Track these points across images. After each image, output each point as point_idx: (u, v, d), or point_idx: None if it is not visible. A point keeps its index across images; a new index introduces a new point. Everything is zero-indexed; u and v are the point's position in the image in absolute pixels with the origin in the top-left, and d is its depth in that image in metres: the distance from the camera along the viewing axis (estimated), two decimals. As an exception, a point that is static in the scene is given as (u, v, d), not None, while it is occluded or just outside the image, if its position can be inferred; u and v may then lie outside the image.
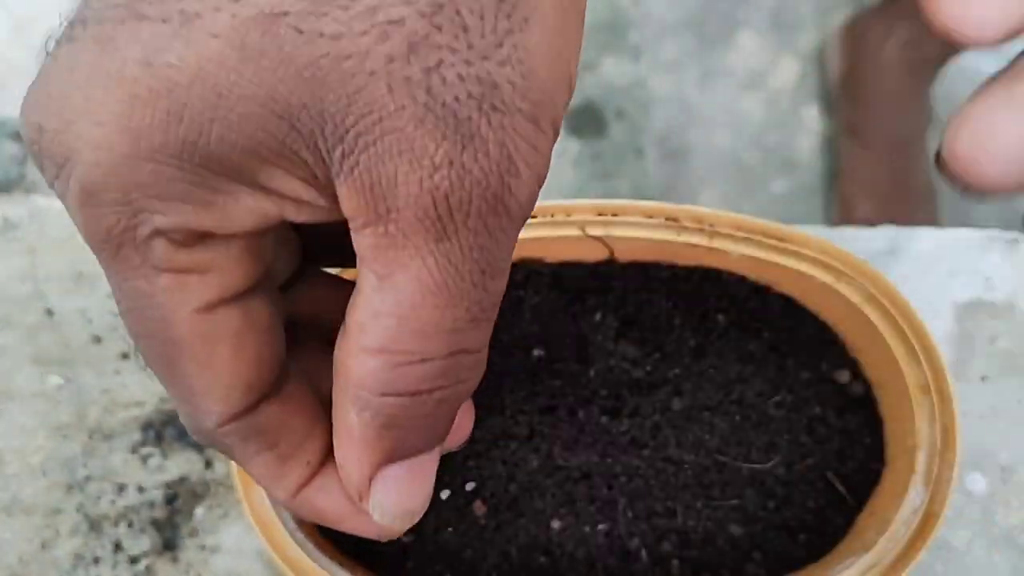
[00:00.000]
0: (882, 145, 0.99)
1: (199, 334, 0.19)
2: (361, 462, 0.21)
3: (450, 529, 0.35)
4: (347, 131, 0.17)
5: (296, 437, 0.22)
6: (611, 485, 0.35)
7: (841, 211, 1.03)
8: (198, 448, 0.42)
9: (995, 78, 0.21)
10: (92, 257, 0.44)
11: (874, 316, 0.36)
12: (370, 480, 0.22)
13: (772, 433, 0.36)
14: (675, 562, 0.35)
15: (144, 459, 0.42)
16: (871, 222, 0.46)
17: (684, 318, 0.38)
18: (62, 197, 0.18)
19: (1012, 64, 0.21)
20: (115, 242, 0.18)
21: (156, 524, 0.41)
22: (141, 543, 0.40)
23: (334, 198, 0.18)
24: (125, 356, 0.43)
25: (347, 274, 0.30)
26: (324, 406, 0.23)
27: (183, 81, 0.16)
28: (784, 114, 1.11)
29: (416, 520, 0.23)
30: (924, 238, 0.45)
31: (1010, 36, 0.21)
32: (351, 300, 0.20)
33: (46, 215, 0.45)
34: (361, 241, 0.18)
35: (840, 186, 1.04)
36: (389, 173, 0.17)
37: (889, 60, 0.98)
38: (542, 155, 0.18)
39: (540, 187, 0.19)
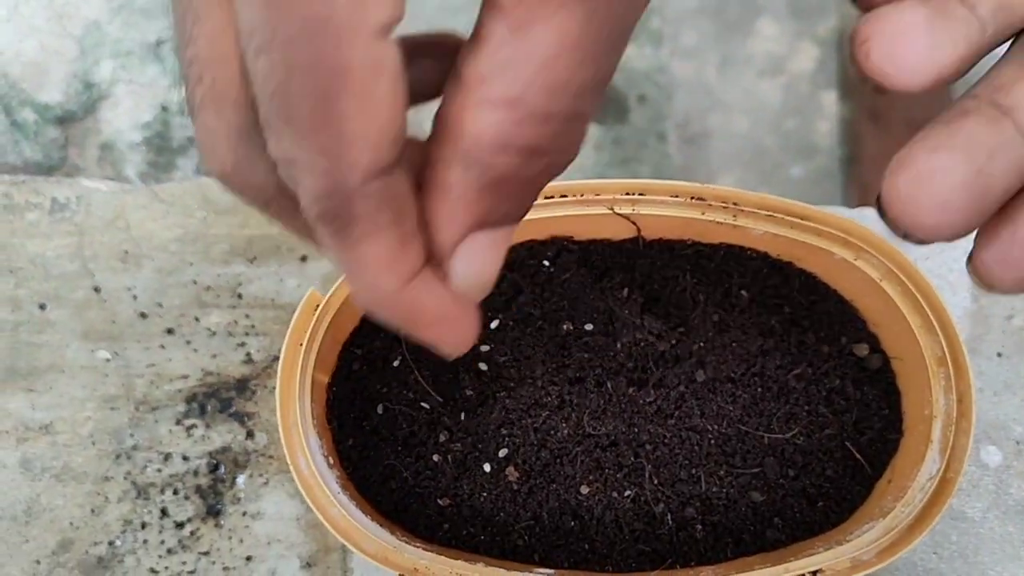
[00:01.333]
0: (902, 129, 1.00)
1: (369, 62, 0.17)
2: (454, 222, 0.20)
3: (484, 493, 0.36)
4: None
5: (415, 217, 0.20)
6: (637, 453, 0.37)
7: (860, 195, 1.03)
8: (239, 419, 0.43)
9: (937, 119, 0.21)
10: (137, 236, 0.46)
11: (892, 291, 0.37)
12: (455, 244, 0.21)
13: (792, 404, 0.38)
14: (698, 527, 0.36)
15: (188, 430, 0.43)
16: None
17: (708, 293, 0.39)
18: None
19: (952, 105, 0.21)
20: None
21: (200, 491, 0.43)
22: (186, 509, 0.42)
23: None
24: (170, 331, 0.45)
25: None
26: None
27: None
28: (803, 99, 1.12)
29: (485, 294, 0.22)
30: (942, 218, 0.46)
31: (941, 82, 0.21)
32: (467, 52, 0.19)
33: (93, 197, 0.47)
34: None
35: (859, 170, 1.04)
36: None
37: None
38: None
39: None
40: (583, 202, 0.38)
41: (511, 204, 0.21)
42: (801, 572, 0.34)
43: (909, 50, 0.21)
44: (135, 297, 0.45)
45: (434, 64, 0.22)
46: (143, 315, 0.45)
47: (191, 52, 0.20)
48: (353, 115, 0.18)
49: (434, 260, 0.21)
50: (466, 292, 0.22)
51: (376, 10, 0.17)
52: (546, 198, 0.38)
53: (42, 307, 0.45)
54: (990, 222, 0.22)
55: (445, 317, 0.22)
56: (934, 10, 0.22)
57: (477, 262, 0.21)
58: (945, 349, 0.36)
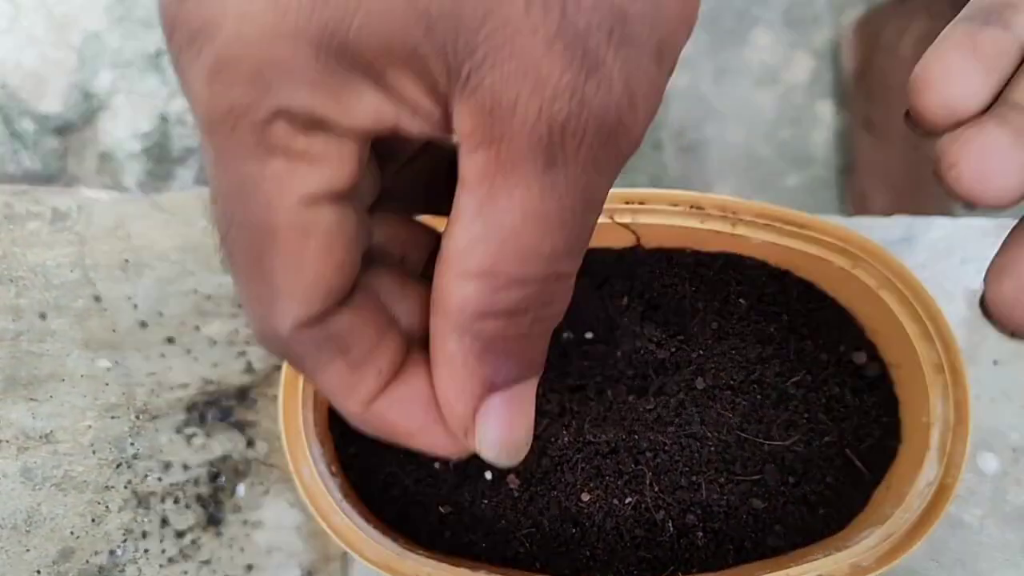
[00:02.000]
0: (898, 139, 1.00)
1: (296, 225, 0.19)
2: (465, 392, 0.21)
3: (485, 501, 0.37)
4: (477, 46, 0.17)
5: (367, 344, 0.21)
6: (638, 460, 0.37)
7: (856, 204, 1.04)
8: (240, 428, 0.44)
9: None
10: (138, 246, 0.46)
11: (890, 299, 0.37)
12: (475, 414, 0.22)
13: (792, 412, 0.38)
14: (699, 534, 0.37)
15: (189, 438, 0.44)
16: (886, 215, 0.48)
17: (707, 301, 0.39)
18: (185, 69, 0.18)
19: None
20: (234, 119, 0.18)
21: (201, 500, 0.43)
22: (187, 518, 0.42)
23: (447, 114, 0.18)
24: (170, 340, 0.45)
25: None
26: (390, 321, 0.23)
27: None
28: (798, 109, 1.13)
29: (522, 456, 0.23)
30: (938, 227, 0.47)
31: None
32: (447, 229, 0.20)
33: (93, 206, 0.47)
34: (468, 163, 0.19)
35: (855, 180, 1.05)
36: (510, 96, 0.17)
37: (905, 53, 0.99)
38: (658, 94, 0.18)
39: (648, 127, 0.19)
40: (583, 211, 0.38)
41: (514, 362, 0.21)
42: (801, 579, 0.34)
43: (998, 173, 0.23)
44: (136, 306, 0.45)
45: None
46: (144, 324, 0.45)
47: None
48: (282, 271, 0.19)
49: (452, 425, 0.22)
50: (498, 458, 0.23)
51: (305, 180, 0.18)
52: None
53: (43, 316, 0.45)
54: (997, 260, 0.23)
55: (417, 432, 0.22)
56: (1015, 132, 0.23)
57: (499, 426, 0.22)
58: (943, 356, 0.36)
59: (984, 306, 0.22)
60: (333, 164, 0.19)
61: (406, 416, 0.22)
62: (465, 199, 0.19)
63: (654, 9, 0.17)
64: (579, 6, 0.17)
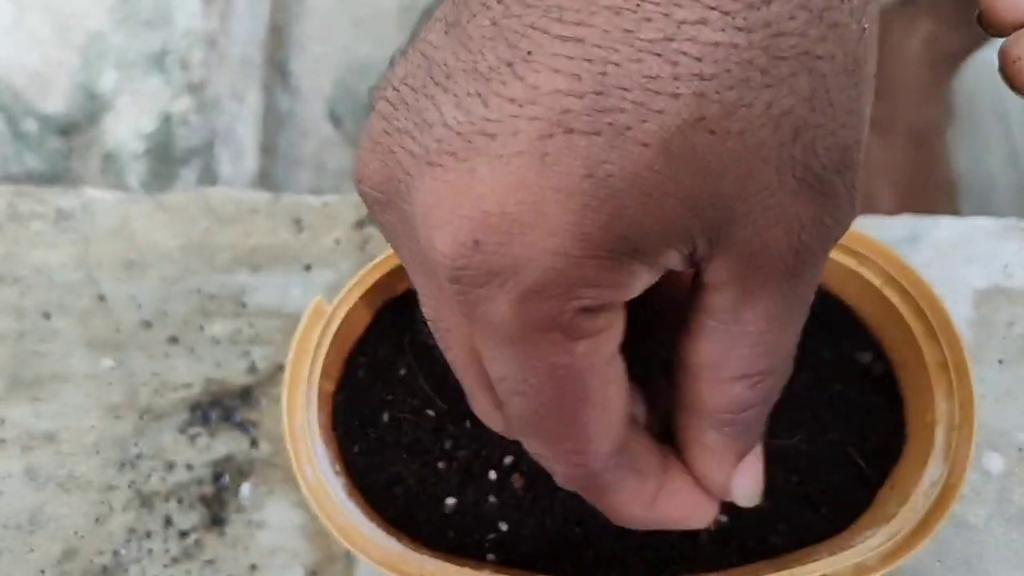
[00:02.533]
0: (903, 138, 1.00)
1: (603, 382, 0.22)
2: (724, 468, 0.26)
3: (490, 500, 0.37)
4: (736, 213, 0.19)
5: (648, 458, 0.26)
6: (642, 460, 0.37)
7: (862, 204, 1.04)
8: (243, 428, 0.44)
9: None
10: (141, 245, 0.46)
11: (894, 298, 0.37)
12: (729, 480, 0.26)
13: (795, 410, 0.38)
14: (703, 533, 0.36)
15: (192, 438, 0.44)
16: (892, 214, 0.47)
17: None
18: (480, 302, 0.20)
19: None
20: (545, 327, 0.20)
21: (204, 500, 0.43)
22: (190, 518, 0.42)
23: (696, 265, 0.21)
24: (174, 340, 0.45)
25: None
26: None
27: (623, 188, 0.18)
28: (803, 109, 1.12)
29: (762, 494, 0.29)
30: (943, 226, 0.47)
31: None
32: (686, 349, 0.24)
33: (97, 206, 0.47)
34: (716, 298, 0.22)
35: (861, 179, 1.05)
36: (764, 241, 0.20)
37: (911, 54, 0.99)
38: (860, 192, 0.22)
39: None
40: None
41: (756, 432, 0.26)
42: (805, 578, 0.34)
43: None
44: (139, 306, 0.45)
45: None
46: (147, 324, 0.45)
47: (449, 355, 0.25)
48: (592, 421, 0.22)
49: (715, 492, 0.27)
50: (751, 502, 0.28)
51: (609, 346, 0.22)
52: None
53: (46, 316, 0.45)
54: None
55: (688, 512, 0.27)
56: None
57: (751, 480, 0.27)
58: (947, 355, 0.36)
59: (1003, 69, 0.24)
60: (618, 325, 0.22)
61: (680, 505, 0.26)
62: (711, 323, 0.22)
63: (860, 134, 0.20)
64: (816, 155, 0.19)
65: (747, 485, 0.27)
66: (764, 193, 0.19)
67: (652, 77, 0.17)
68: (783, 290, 0.21)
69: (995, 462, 0.43)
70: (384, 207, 0.22)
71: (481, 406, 0.26)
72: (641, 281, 0.21)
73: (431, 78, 0.20)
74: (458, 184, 0.19)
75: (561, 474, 0.24)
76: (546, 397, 0.22)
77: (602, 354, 0.21)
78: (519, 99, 0.18)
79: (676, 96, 0.17)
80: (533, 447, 0.24)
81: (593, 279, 0.19)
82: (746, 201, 0.19)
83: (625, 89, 0.17)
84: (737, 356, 0.23)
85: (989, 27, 0.27)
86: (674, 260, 0.20)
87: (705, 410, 0.24)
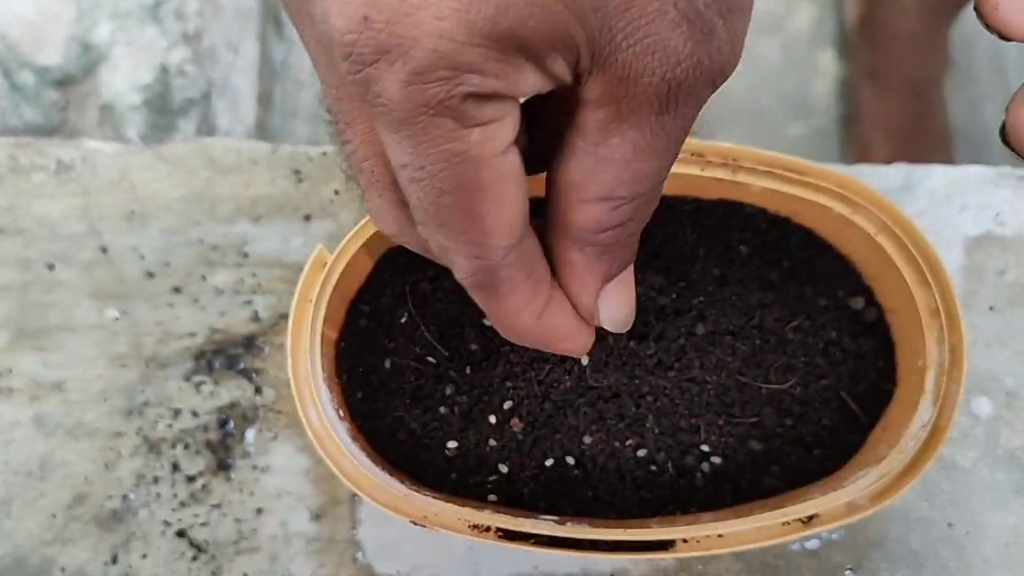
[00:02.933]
0: (900, 88, 1.00)
1: (499, 174, 0.22)
2: (589, 288, 0.27)
3: (491, 443, 0.37)
4: (617, 31, 0.20)
5: (541, 265, 0.26)
6: (639, 404, 0.38)
7: (857, 154, 1.04)
8: (247, 375, 0.44)
9: None
10: (143, 196, 0.46)
11: (887, 245, 0.38)
12: (596, 301, 0.27)
13: (790, 356, 0.39)
14: (698, 474, 0.37)
15: (197, 386, 0.44)
16: (887, 163, 0.48)
17: (708, 248, 0.40)
18: (371, 81, 0.21)
19: None
20: (432, 111, 0.21)
21: (210, 446, 0.44)
22: (197, 463, 0.43)
23: (578, 81, 0.22)
24: (177, 290, 0.45)
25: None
26: None
27: None
28: (801, 58, 1.12)
29: (631, 324, 0.29)
30: (937, 175, 0.47)
31: None
32: (559, 167, 0.24)
33: (97, 158, 0.47)
34: (589, 116, 0.23)
35: (857, 129, 1.05)
36: (640, 67, 0.21)
37: (908, 3, 0.98)
38: (744, 40, 0.22)
39: None
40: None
41: (622, 256, 0.27)
42: (797, 517, 0.35)
43: None
44: (142, 257, 0.46)
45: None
46: (150, 274, 0.46)
47: (348, 148, 0.26)
48: (491, 214, 0.23)
49: (582, 313, 0.28)
50: (618, 327, 0.29)
51: (501, 137, 0.22)
52: (548, 155, 0.38)
53: (50, 267, 0.46)
54: (1020, 92, 0.26)
55: (571, 332, 0.28)
56: None
57: (616, 304, 0.28)
58: (939, 302, 0.36)
59: (1004, 134, 0.25)
60: (511, 119, 0.22)
61: (565, 322, 0.27)
62: (581, 143, 0.23)
63: None
64: None
65: (612, 309, 0.28)
66: (646, 18, 0.20)
67: None
68: (652, 123, 0.22)
69: (984, 406, 0.44)
70: (292, 5, 0.23)
71: (373, 204, 0.27)
72: (528, 82, 0.21)
73: None
74: None
75: (462, 267, 0.25)
76: (444, 185, 0.22)
77: (495, 145, 0.22)
78: None
79: None
80: (436, 240, 0.24)
81: (479, 66, 0.20)
82: (628, 22, 0.20)
83: None
84: (600, 180, 0.23)
85: None
86: (559, 68, 0.21)
87: (567, 228, 0.25)
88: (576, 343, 0.28)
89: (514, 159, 0.23)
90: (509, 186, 0.23)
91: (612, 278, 0.27)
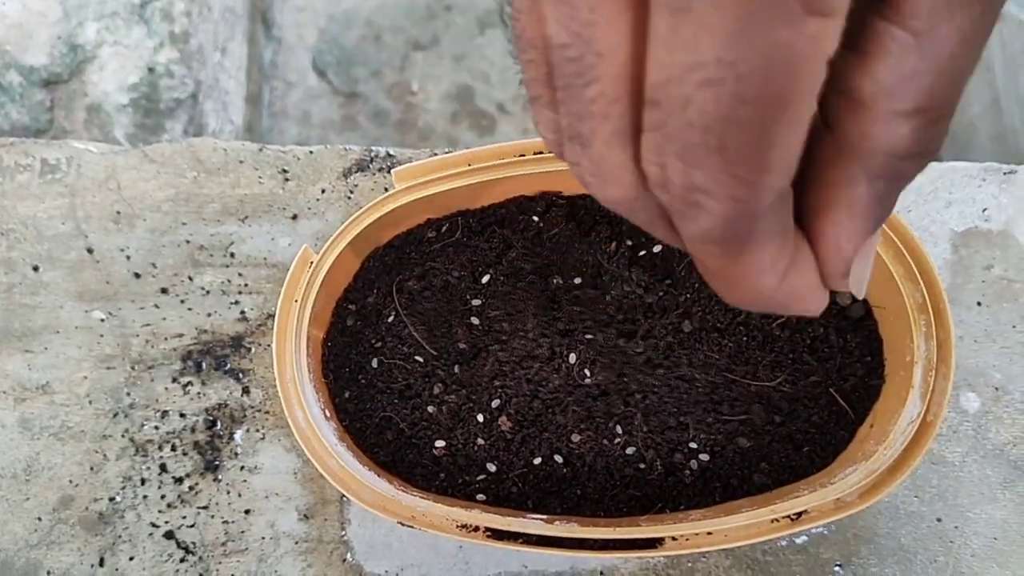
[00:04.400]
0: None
1: (812, 88, 0.18)
2: (858, 235, 0.22)
3: (479, 443, 0.37)
4: None
5: (790, 220, 0.22)
6: (627, 402, 0.38)
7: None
8: (235, 376, 0.44)
9: None
10: (129, 197, 0.46)
11: (875, 241, 0.37)
12: (854, 256, 0.23)
13: (777, 352, 0.39)
14: (687, 472, 0.37)
15: (184, 387, 0.44)
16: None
17: (695, 246, 0.40)
18: None
19: None
20: None
21: (198, 447, 0.43)
22: (185, 465, 0.43)
23: None
24: (164, 291, 0.45)
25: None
26: None
27: None
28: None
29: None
30: (924, 170, 0.47)
31: None
32: (855, 74, 0.20)
33: (83, 158, 0.47)
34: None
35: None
36: None
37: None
38: None
39: None
40: (572, 157, 0.38)
41: (892, 204, 0.22)
42: (787, 514, 0.35)
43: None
44: (128, 257, 0.46)
45: None
46: (137, 275, 0.45)
47: (594, 90, 0.20)
48: (783, 141, 0.18)
49: (834, 268, 0.23)
50: (860, 293, 0.24)
51: (833, 36, 0.17)
52: (535, 154, 0.38)
53: (36, 268, 0.45)
54: None
55: (812, 291, 0.23)
56: None
57: (864, 266, 0.23)
58: (927, 297, 0.36)
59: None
60: (841, 22, 0.18)
61: (806, 282, 0.23)
62: (900, 34, 0.19)
63: None
64: None
65: (861, 270, 0.23)
66: None
67: None
68: (982, 5, 0.18)
69: (972, 401, 0.44)
70: None
71: (586, 127, 0.21)
72: None
73: None
74: None
75: (714, 212, 0.20)
76: (750, 91, 0.18)
77: (826, 45, 0.17)
78: None
79: None
80: (692, 176, 0.19)
81: None
82: None
83: None
84: (920, 83, 0.19)
85: None
86: None
87: (863, 153, 0.20)
88: (815, 303, 0.23)
89: (823, 77, 0.18)
90: (808, 108, 0.18)
91: (875, 231, 0.22)
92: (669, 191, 0.20)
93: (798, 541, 0.41)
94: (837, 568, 0.41)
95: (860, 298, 0.26)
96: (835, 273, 0.23)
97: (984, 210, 0.46)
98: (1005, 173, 0.47)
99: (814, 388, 0.39)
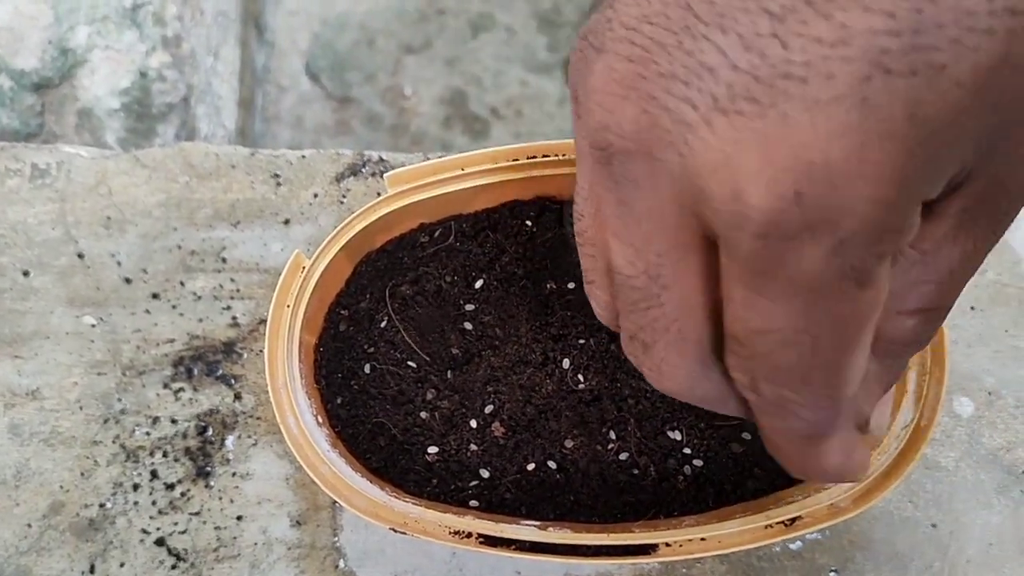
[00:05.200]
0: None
1: (871, 326, 0.21)
2: (871, 400, 0.26)
3: (471, 449, 0.37)
4: (998, 146, 0.19)
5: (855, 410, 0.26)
6: (620, 407, 0.38)
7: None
8: (227, 382, 0.44)
9: None
10: (120, 202, 0.46)
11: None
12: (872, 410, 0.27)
13: (772, 358, 0.39)
14: (680, 477, 0.37)
15: (176, 393, 0.44)
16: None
17: (688, 251, 0.40)
18: (791, 254, 0.19)
19: None
20: (844, 276, 0.19)
21: (190, 453, 0.43)
22: (176, 471, 0.43)
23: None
24: (155, 296, 0.45)
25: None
26: None
27: (939, 129, 0.17)
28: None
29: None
30: (917, 175, 0.47)
31: None
32: None
33: (74, 163, 0.47)
34: (928, 227, 0.21)
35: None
36: (1011, 175, 0.20)
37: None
38: None
39: None
40: (565, 162, 0.38)
41: (895, 378, 0.26)
42: (781, 519, 0.35)
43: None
44: (119, 263, 0.45)
45: None
46: (128, 280, 0.45)
47: (655, 313, 0.23)
48: (854, 366, 0.22)
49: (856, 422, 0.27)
50: (882, 432, 0.29)
51: (880, 298, 0.21)
52: (529, 158, 0.38)
53: (25, 274, 0.45)
54: None
55: (864, 466, 0.27)
56: None
57: (886, 410, 0.28)
58: (920, 301, 0.36)
59: None
60: (887, 283, 0.21)
61: (865, 453, 0.27)
62: (909, 251, 0.22)
63: None
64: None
65: (882, 416, 0.28)
66: None
67: (969, 13, 0.17)
68: (988, 230, 0.21)
69: (965, 406, 0.44)
70: (631, 157, 0.21)
71: (678, 366, 0.24)
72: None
73: (696, 17, 0.19)
74: (769, 132, 0.18)
75: (806, 419, 0.23)
76: (820, 346, 0.21)
77: (879, 302, 0.20)
78: (827, 39, 0.17)
79: (991, 33, 0.17)
80: (779, 395, 0.23)
81: (900, 224, 0.19)
82: (1015, 138, 0.19)
83: (941, 26, 0.17)
84: (923, 291, 0.22)
85: None
86: (935, 193, 0.20)
87: (876, 340, 0.23)
88: (864, 473, 0.27)
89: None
90: (871, 334, 0.21)
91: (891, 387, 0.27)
92: (759, 395, 0.23)
93: (793, 547, 0.41)
94: (832, 574, 0.41)
95: (880, 438, 0.31)
96: (858, 425, 0.27)
97: (977, 215, 0.46)
98: (998, 178, 0.47)
99: (808, 393, 0.38)
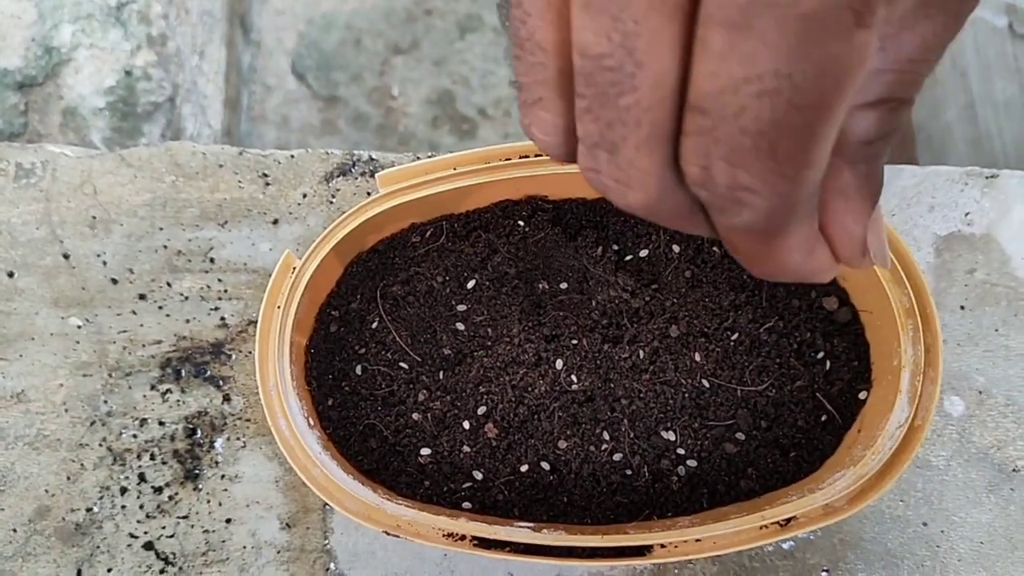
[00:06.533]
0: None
1: (853, 89, 0.20)
2: (860, 218, 0.25)
3: (464, 450, 0.37)
4: None
5: (816, 203, 0.24)
6: (613, 407, 0.37)
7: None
8: (215, 383, 0.43)
9: None
10: (105, 202, 0.45)
11: (861, 245, 0.37)
12: (866, 233, 0.25)
13: (764, 357, 0.38)
14: (674, 478, 0.37)
15: (163, 395, 0.43)
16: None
17: (680, 250, 0.40)
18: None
19: None
20: (842, 3, 0.18)
21: (178, 456, 0.43)
22: (164, 474, 0.42)
23: None
24: (142, 297, 0.44)
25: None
26: None
27: None
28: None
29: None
30: (907, 174, 0.47)
31: None
32: None
33: (58, 162, 0.46)
34: (889, 8, 0.20)
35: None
36: None
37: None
38: None
39: None
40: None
41: (880, 177, 0.25)
42: (775, 520, 0.34)
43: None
44: (105, 263, 0.45)
45: None
46: (114, 281, 0.45)
47: (630, 99, 0.21)
48: (824, 140, 0.20)
49: (851, 246, 0.25)
50: (885, 261, 0.27)
51: (869, 50, 0.19)
52: (521, 158, 0.38)
53: (10, 275, 0.44)
54: None
55: (831, 265, 0.25)
56: None
57: (878, 236, 0.26)
58: (913, 300, 0.36)
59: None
60: (876, 33, 0.20)
61: (827, 254, 0.25)
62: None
63: None
64: None
65: (877, 241, 0.26)
66: None
67: None
68: (950, 15, 0.21)
69: (956, 405, 0.44)
70: None
71: (626, 148, 0.22)
72: None
73: None
74: None
75: (758, 208, 0.22)
76: (804, 99, 0.19)
77: (868, 53, 0.19)
78: None
79: None
80: (733, 180, 0.21)
81: None
82: None
83: None
84: (881, 79, 0.22)
85: None
86: None
87: (840, 143, 0.22)
88: (831, 274, 0.26)
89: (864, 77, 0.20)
90: (846, 107, 0.20)
91: (875, 202, 0.25)
92: (711, 190, 0.22)
93: (784, 547, 0.41)
94: (824, 573, 0.41)
95: (887, 267, 0.28)
96: (855, 255, 0.25)
97: (967, 214, 0.46)
98: (987, 177, 0.47)
99: (801, 393, 0.38)
